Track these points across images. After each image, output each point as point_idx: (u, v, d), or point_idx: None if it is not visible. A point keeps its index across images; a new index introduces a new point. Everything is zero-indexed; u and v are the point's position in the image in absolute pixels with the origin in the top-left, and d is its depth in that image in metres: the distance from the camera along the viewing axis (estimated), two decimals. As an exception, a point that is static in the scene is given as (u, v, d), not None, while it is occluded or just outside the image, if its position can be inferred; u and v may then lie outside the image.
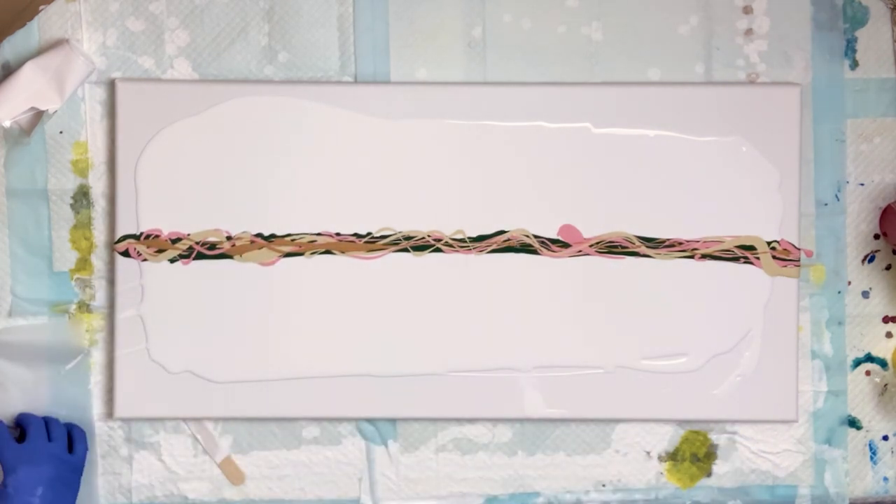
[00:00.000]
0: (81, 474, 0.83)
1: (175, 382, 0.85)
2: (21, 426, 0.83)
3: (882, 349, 0.88)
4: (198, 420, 0.87)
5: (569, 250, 0.85)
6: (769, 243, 0.86)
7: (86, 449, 0.84)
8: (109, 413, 0.86)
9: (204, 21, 0.86)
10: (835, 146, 0.87)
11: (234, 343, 0.85)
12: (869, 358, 0.88)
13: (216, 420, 0.87)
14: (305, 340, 0.85)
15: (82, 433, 0.85)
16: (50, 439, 0.81)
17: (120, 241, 0.85)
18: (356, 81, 0.86)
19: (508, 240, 0.85)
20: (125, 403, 0.85)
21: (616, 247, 0.85)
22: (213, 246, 0.85)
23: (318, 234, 0.85)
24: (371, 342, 0.85)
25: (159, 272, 0.85)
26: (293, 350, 0.85)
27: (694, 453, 0.88)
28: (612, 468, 0.88)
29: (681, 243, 0.85)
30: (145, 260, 0.85)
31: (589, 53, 0.87)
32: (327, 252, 0.85)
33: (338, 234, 0.85)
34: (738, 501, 0.88)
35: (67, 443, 0.83)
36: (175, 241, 0.85)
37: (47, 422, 0.83)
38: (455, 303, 0.85)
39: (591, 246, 0.85)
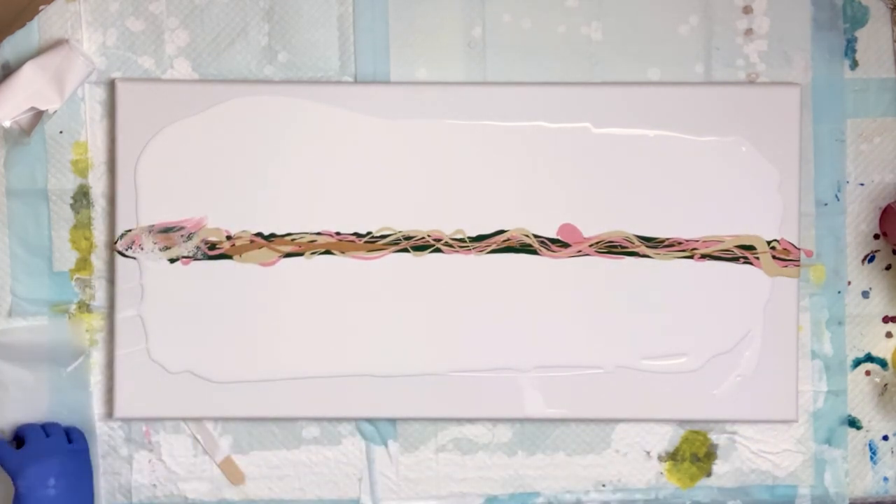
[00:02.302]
0: (89, 462, 0.84)
1: (175, 382, 0.85)
2: (18, 436, 0.83)
3: (882, 349, 0.88)
4: (198, 420, 0.87)
5: (568, 250, 0.85)
6: (769, 243, 0.86)
7: (86, 441, 0.84)
8: (109, 413, 0.86)
9: (204, 21, 0.86)
10: (835, 146, 0.87)
11: (235, 343, 0.85)
12: (869, 358, 0.88)
13: (216, 420, 0.87)
14: (305, 340, 0.85)
15: (79, 431, 0.85)
16: (47, 437, 0.82)
17: (120, 239, 0.85)
18: (356, 81, 0.86)
19: (508, 239, 0.85)
20: (125, 403, 0.85)
21: (616, 246, 0.85)
22: (213, 246, 0.85)
23: (318, 234, 0.85)
24: (371, 342, 0.85)
25: (159, 272, 0.85)
26: (293, 350, 0.85)
27: (694, 453, 0.88)
28: (612, 468, 0.88)
29: (680, 243, 0.85)
30: (145, 260, 0.85)
31: (589, 53, 0.87)
32: (327, 252, 0.85)
33: (338, 234, 0.85)
34: (738, 501, 0.88)
35: (66, 438, 0.83)
36: (175, 241, 0.85)
37: (43, 425, 0.84)
38: (455, 303, 0.85)
39: (590, 246, 0.85)
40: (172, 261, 0.85)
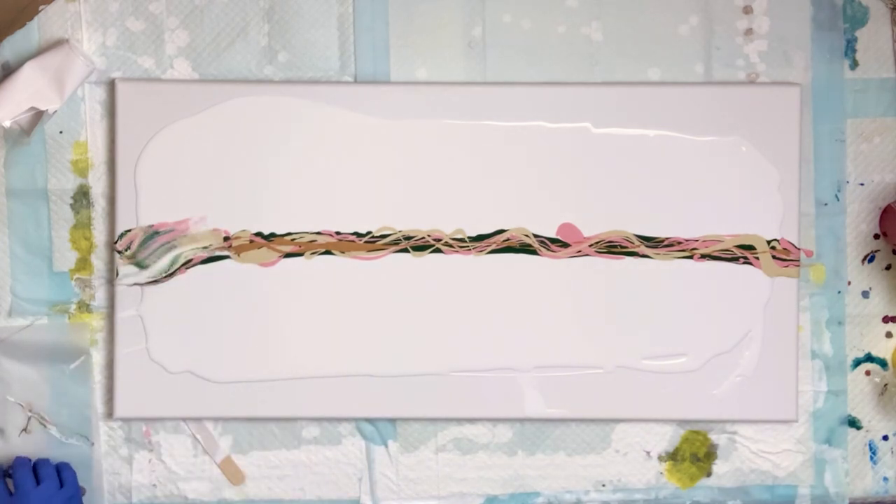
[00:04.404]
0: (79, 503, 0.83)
1: (175, 382, 0.85)
2: (9, 473, 0.82)
3: (882, 349, 0.88)
4: (198, 420, 0.87)
5: (568, 250, 0.85)
6: (769, 243, 0.86)
7: (77, 481, 0.83)
8: (109, 413, 0.86)
9: (204, 21, 0.86)
10: (835, 146, 0.87)
11: (234, 343, 0.85)
12: (869, 358, 0.88)
13: (216, 420, 0.87)
14: (305, 340, 0.85)
15: (71, 470, 0.84)
16: (38, 482, 0.80)
17: (119, 240, 0.85)
18: (356, 81, 0.86)
19: (508, 239, 0.85)
20: (125, 403, 0.85)
21: (616, 246, 0.85)
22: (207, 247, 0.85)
23: (318, 234, 0.85)
24: (371, 342, 0.85)
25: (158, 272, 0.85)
26: (293, 350, 0.85)
27: (694, 453, 0.88)
28: (612, 468, 0.88)
29: (680, 243, 0.85)
30: (145, 260, 0.85)
31: (589, 53, 0.87)
32: (327, 252, 0.85)
33: (338, 234, 0.85)
34: (738, 501, 0.88)
35: (58, 479, 0.82)
36: (175, 241, 0.85)
37: (35, 465, 0.82)
38: (455, 303, 0.85)
39: (590, 246, 0.85)
40: (170, 275, 0.85)
